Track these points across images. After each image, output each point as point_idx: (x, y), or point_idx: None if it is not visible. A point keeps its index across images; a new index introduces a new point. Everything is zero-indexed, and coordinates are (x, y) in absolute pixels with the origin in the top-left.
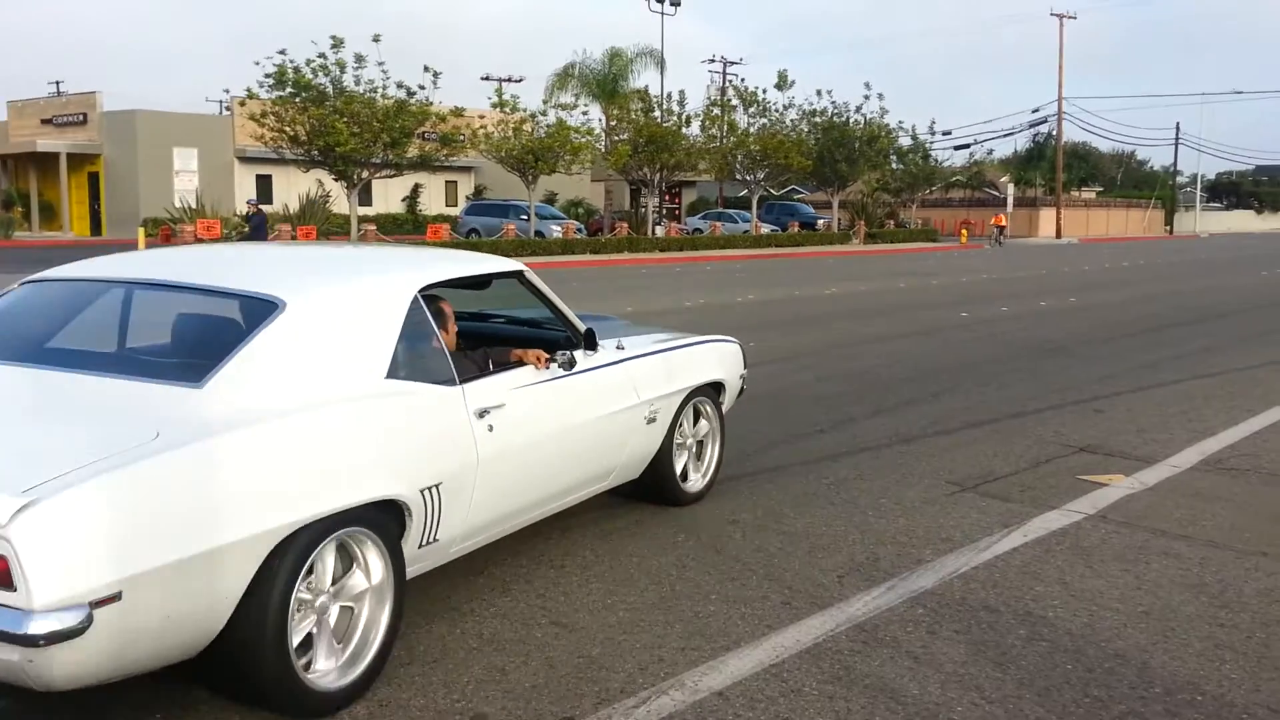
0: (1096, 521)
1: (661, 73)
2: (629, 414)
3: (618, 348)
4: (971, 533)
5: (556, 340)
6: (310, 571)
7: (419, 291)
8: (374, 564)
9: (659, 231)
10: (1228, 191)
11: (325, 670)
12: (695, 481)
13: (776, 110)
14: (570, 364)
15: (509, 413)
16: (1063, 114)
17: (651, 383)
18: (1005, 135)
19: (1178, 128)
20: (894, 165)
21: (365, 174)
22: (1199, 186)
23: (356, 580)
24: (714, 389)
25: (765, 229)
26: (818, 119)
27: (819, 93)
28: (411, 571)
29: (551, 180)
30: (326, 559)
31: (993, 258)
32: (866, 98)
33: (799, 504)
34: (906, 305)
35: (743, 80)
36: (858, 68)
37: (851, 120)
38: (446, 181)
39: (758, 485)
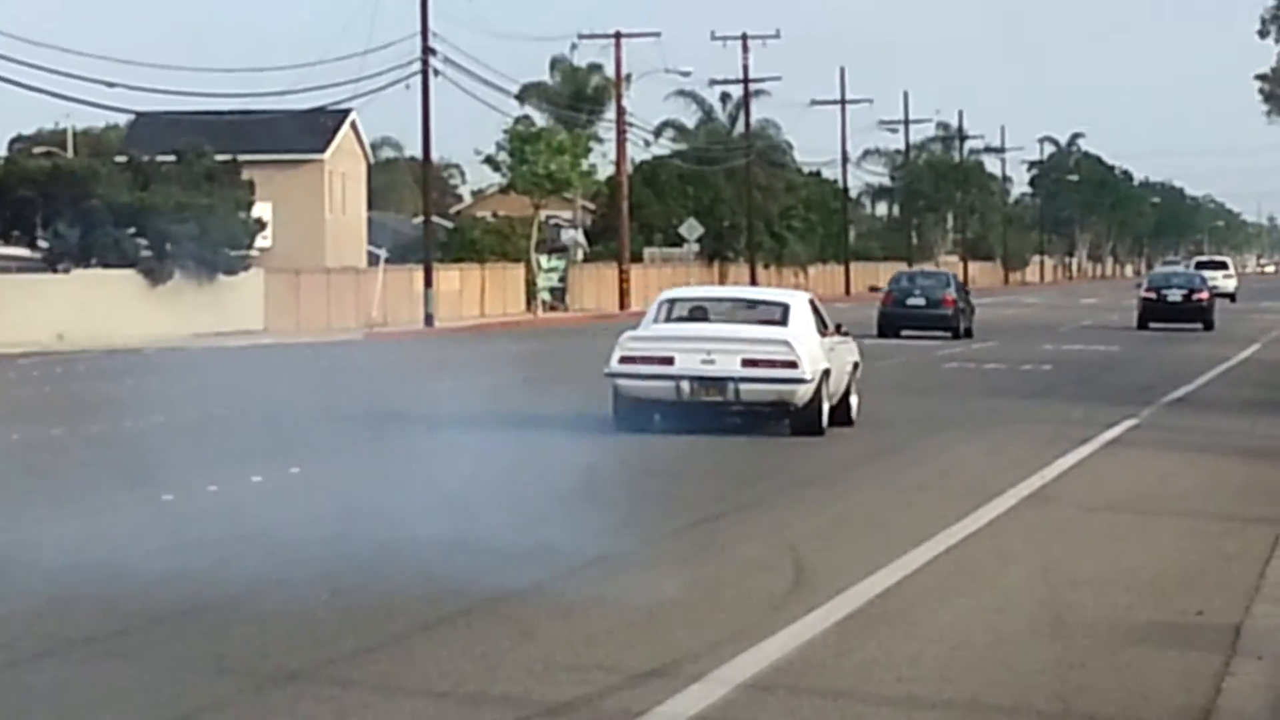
0: None
1: None
2: (850, 361)
3: (844, 333)
4: None
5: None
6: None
7: (809, 299)
8: (833, 378)
9: None
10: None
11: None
12: (853, 414)
13: None
14: (847, 335)
15: (833, 348)
16: None
17: (853, 351)
18: None
19: None
20: None
21: None
22: None
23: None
24: (856, 365)
25: None
26: None
27: None
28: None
29: None
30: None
31: None
32: None
33: None
34: None
35: None
36: None
37: None
38: None
39: None
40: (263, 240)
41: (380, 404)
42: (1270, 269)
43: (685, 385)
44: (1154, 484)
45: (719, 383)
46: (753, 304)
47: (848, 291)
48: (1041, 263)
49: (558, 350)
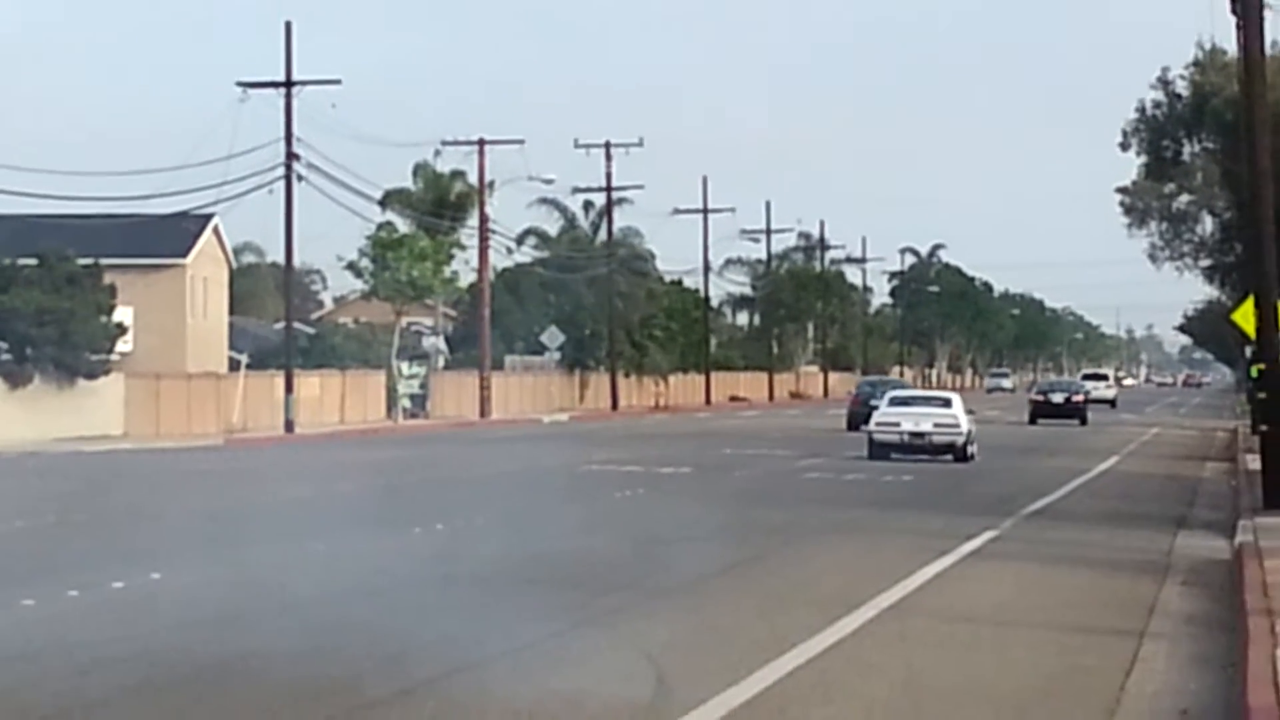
0: None
1: None
2: (975, 428)
3: (969, 412)
4: None
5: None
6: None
7: (959, 396)
8: (972, 435)
9: None
10: None
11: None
12: (974, 454)
13: None
14: (973, 413)
15: (971, 420)
16: None
17: (975, 423)
18: None
19: None
20: None
21: None
22: None
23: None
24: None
25: None
26: None
27: None
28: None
29: None
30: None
31: None
32: None
33: None
34: None
35: None
36: None
37: None
38: None
39: None
40: (124, 344)
41: (235, 510)
42: (1129, 381)
43: (905, 436)
44: (1014, 595)
45: (922, 435)
46: (933, 398)
47: (708, 400)
48: (902, 373)
49: (413, 458)
